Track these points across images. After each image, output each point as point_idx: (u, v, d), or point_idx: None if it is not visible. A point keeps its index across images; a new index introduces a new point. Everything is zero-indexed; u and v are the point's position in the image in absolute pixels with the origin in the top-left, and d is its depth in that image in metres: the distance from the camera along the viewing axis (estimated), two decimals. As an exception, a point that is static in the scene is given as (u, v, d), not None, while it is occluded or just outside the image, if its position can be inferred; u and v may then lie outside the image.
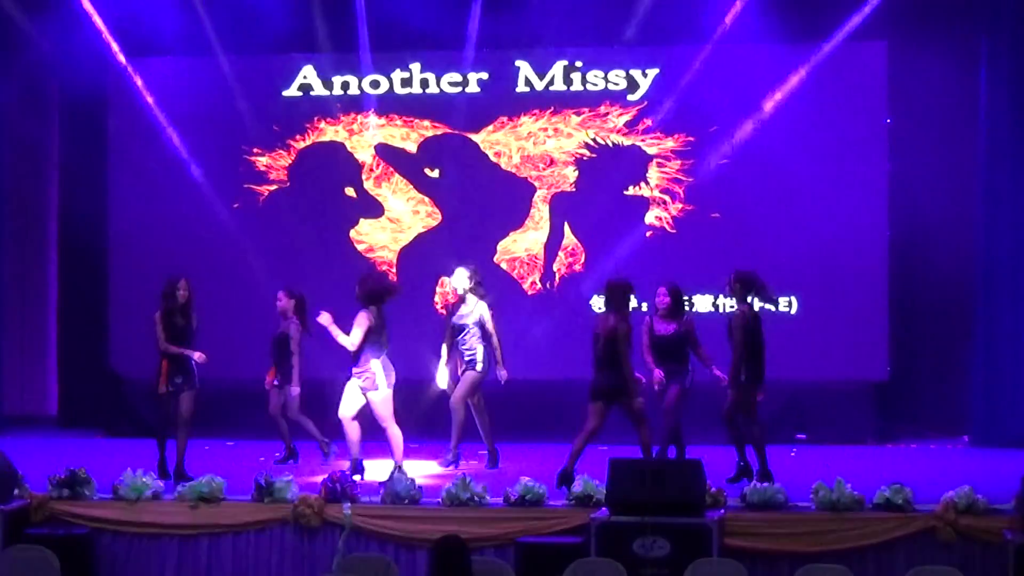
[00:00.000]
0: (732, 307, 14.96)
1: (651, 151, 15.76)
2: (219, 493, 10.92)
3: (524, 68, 16.00)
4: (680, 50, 15.66)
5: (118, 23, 15.98)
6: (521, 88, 16.03)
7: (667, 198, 15.73)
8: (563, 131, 15.94)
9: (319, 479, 10.99)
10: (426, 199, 16.23)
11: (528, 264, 16.03)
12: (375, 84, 16.22)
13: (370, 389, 12.03)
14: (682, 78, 15.63)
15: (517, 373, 15.38)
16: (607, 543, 10.00)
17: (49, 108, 17.02)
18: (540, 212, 16.01)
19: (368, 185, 16.29)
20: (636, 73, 15.80)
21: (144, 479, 11.05)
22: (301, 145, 16.36)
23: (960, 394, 15.08)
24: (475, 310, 12.92)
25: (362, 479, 11.67)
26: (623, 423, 12.16)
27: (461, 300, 13.01)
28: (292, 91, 16.32)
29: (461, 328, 12.93)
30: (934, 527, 10.16)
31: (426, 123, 16.21)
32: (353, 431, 12.15)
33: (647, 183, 15.77)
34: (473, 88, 16.10)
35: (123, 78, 16.51)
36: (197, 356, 12.28)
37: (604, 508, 10.32)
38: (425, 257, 16.02)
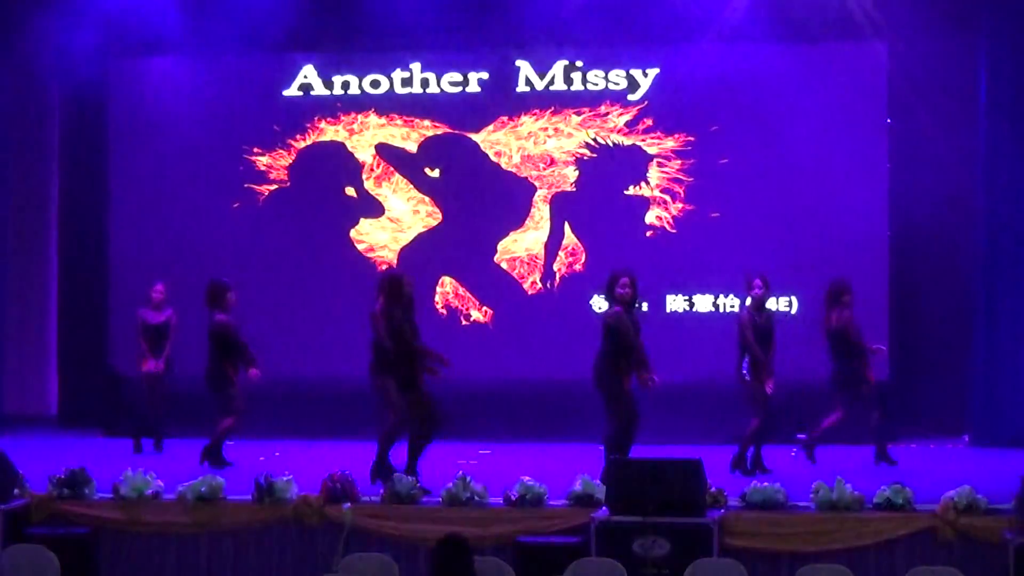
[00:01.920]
0: (733, 308, 15.07)
1: (651, 151, 15.76)
2: (219, 493, 10.93)
3: (524, 68, 16.00)
4: (680, 50, 15.66)
5: (118, 22, 15.96)
6: (521, 88, 16.03)
7: (667, 198, 15.74)
8: (563, 131, 15.95)
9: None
10: (426, 199, 16.23)
11: (528, 264, 16.03)
12: (375, 84, 16.22)
13: None
14: (682, 78, 15.65)
15: (517, 373, 15.45)
16: (607, 543, 10.02)
17: (49, 108, 17.02)
18: (540, 212, 16.01)
19: (368, 185, 16.29)
20: (636, 73, 15.80)
21: (144, 478, 11.06)
22: (301, 145, 16.36)
23: (960, 394, 15.09)
24: None
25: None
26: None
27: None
28: (292, 91, 16.33)
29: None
30: (934, 527, 10.17)
31: (426, 123, 16.21)
32: None
33: (647, 183, 15.77)
34: (473, 88, 16.10)
35: (123, 78, 16.53)
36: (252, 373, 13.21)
37: (604, 508, 10.33)
38: (425, 257, 16.02)
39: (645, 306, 15.18)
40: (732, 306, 15.24)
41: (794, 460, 13.64)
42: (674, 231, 15.70)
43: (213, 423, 13.28)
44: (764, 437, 12.74)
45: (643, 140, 15.79)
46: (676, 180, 15.72)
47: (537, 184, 16.01)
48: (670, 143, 15.73)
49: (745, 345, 12.73)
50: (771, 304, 15.18)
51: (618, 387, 11.88)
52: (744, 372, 12.68)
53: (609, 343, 11.94)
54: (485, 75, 16.07)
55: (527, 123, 16.02)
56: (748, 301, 13.03)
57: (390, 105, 16.21)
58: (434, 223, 16.22)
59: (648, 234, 15.74)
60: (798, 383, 14.77)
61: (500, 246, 16.05)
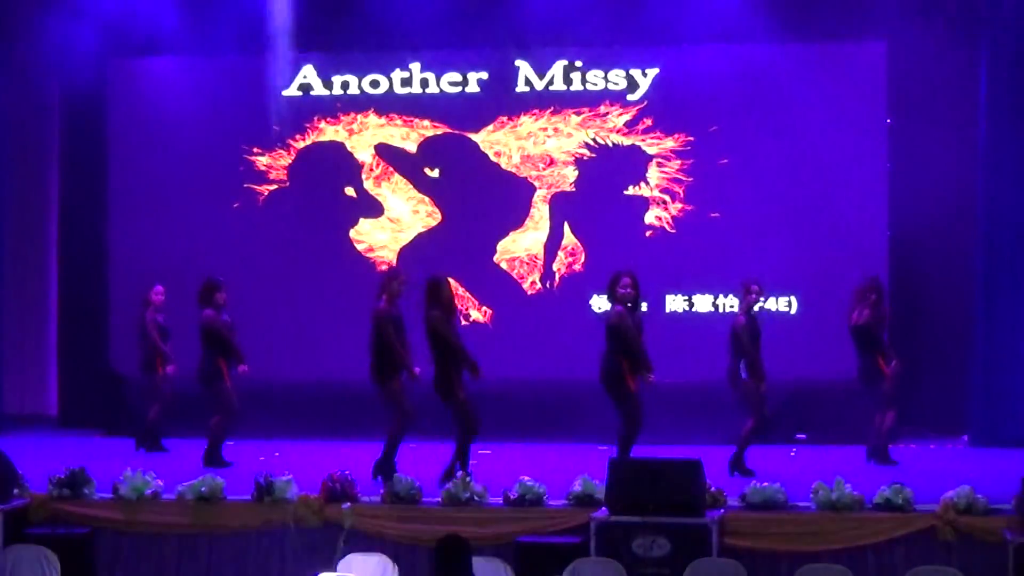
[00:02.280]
0: (732, 307, 15.06)
1: (651, 151, 15.76)
2: (219, 493, 10.93)
3: (524, 68, 16.00)
4: (680, 50, 15.66)
5: (118, 22, 15.96)
6: (521, 88, 16.03)
7: (667, 198, 15.74)
8: (563, 131, 15.95)
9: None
10: (426, 199, 16.23)
11: (528, 264, 16.03)
12: (375, 84, 16.22)
13: None
14: (682, 78, 15.65)
15: (517, 373, 15.44)
16: (607, 543, 10.01)
17: (49, 108, 17.01)
18: (540, 212, 16.01)
19: (368, 185, 16.30)
20: (636, 73, 15.81)
21: (144, 478, 11.05)
22: (301, 145, 16.36)
23: (960, 394, 15.08)
24: None
25: None
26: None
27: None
28: (292, 91, 16.33)
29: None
30: (934, 527, 10.17)
31: (426, 123, 16.21)
32: None
33: (647, 183, 15.77)
34: (473, 88, 16.10)
35: (123, 78, 16.53)
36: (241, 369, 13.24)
37: (604, 508, 10.33)
38: (425, 257, 16.01)
39: (645, 306, 15.17)
40: (732, 306, 15.23)
41: (794, 460, 13.65)
42: (674, 231, 15.70)
43: (207, 421, 13.31)
44: (756, 438, 12.75)
45: (643, 140, 15.79)
46: (676, 180, 15.73)
47: (537, 184, 16.02)
48: (670, 143, 15.74)
49: (742, 348, 12.71)
50: (771, 304, 15.32)
51: (625, 387, 11.88)
52: (743, 374, 12.69)
53: (613, 343, 11.95)
54: (485, 75, 16.07)
55: (527, 123, 16.02)
56: (741, 305, 13.06)
57: (390, 105, 16.21)
58: (434, 223, 16.22)
59: (648, 234, 15.74)
60: (797, 383, 14.82)
61: (500, 246, 16.05)
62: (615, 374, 11.91)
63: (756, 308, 12.99)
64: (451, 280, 12.21)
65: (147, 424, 14.46)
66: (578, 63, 15.90)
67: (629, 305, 12.13)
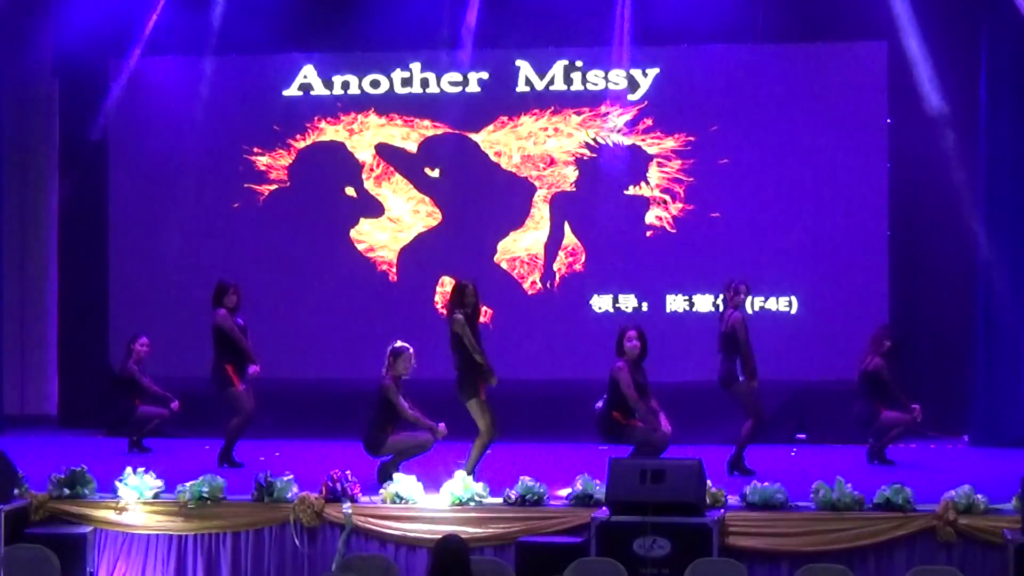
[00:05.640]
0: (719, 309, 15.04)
1: (651, 151, 15.76)
2: (219, 493, 10.93)
3: (524, 68, 16.00)
4: (680, 50, 15.66)
5: (118, 22, 15.96)
6: (521, 88, 16.03)
7: (667, 198, 15.73)
8: (563, 131, 15.95)
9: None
10: (426, 199, 16.23)
11: (528, 264, 16.03)
12: (375, 84, 16.22)
13: None
14: (682, 78, 15.65)
15: (517, 373, 15.42)
16: (607, 543, 10.02)
17: (49, 108, 17.01)
18: (540, 212, 16.01)
19: (368, 185, 16.30)
20: (636, 73, 15.80)
21: (144, 479, 11.06)
22: (301, 145, 16.36)
23: (960, 394, 15.07)
24: None
25: None
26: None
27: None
28: (292, 91, 16.32)
29: None
30: (934, 527, 10.18)
31: (426, 123, 16.21)
32: None
33: (647, 183, 15.77)
34: (473, 88, 16.09)
35: (123, 78, 16.52)
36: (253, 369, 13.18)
37: (604, 508, 10.33)
38: (425, 257, 16.03)
39: (645, 306, 15.22)
40: (718, 308, 15.21)
41: (794, 460, 13.65)
42: (674, 231, 15.69)
43: (222, 424, 13.27)
44: (755, 438, 12.74)
45: (643, 140, 15.78)
46: (676, 180, 15.72)
47: (537, 184, 16.01)
48: (670, 143, 15.73)
49: (738, 347, 12.66)
50: (771, 304, 15.31)
51: (620, 431, 12.02)
52: (739, 374, 12.66)
53: (611, 395, 12.00)
54: (485, 75, 16.06)
55: (527, 123, 16.02)
56: (723, 305, 13.08)
57: (390, 105, 16.21)
58: (434, 223, 16.22)
59: (648, 234, 15.73)
60: (797, 383, 14.83)
61: (500, 246, 16.05)
62: (607, 424, 12.07)
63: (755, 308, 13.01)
64: (475, 285, 12.11)
65: (144, 427, 14.46)
66: (578, 63, 15.90)
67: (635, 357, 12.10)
